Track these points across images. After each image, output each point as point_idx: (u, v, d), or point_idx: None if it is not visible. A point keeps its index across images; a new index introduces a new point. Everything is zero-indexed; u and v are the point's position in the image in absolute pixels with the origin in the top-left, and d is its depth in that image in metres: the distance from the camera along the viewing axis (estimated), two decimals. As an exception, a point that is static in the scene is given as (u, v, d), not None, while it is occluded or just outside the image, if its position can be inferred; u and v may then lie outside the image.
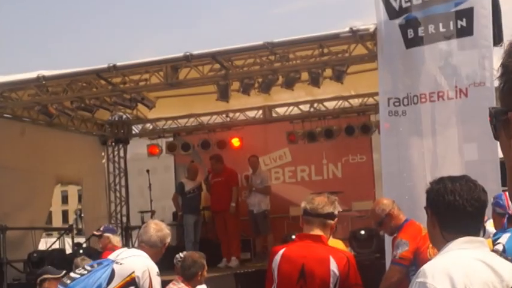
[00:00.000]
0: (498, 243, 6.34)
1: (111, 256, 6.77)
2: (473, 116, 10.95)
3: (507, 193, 6.86)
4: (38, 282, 9.76)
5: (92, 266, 6.59)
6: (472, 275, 3.03)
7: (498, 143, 1.47)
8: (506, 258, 4.09)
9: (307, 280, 5.38)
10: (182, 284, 8.25)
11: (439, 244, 3.43)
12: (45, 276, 9.62)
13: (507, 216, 7.02)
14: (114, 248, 11.68)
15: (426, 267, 3.13)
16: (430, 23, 11.36)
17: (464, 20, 11.14)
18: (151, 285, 6.42)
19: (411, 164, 11.45)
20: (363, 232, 14.15)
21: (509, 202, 7.00)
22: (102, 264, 6.54)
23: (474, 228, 3.44)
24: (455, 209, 3.46)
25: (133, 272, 6.41)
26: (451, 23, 11.23)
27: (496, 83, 1.53)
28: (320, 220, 5.55)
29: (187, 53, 13.10)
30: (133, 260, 6.55)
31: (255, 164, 16.70)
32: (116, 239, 11.98)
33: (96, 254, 13.81)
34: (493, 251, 5.39)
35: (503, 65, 1.43)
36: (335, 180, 17.69)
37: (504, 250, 6.06)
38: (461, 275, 3.02)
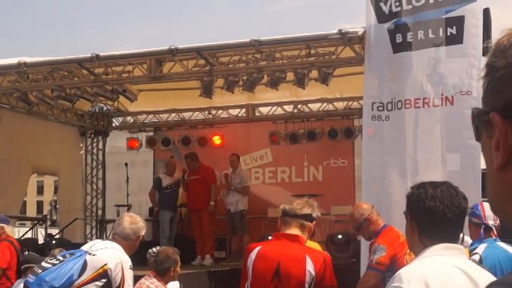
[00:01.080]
0: (475, 253, 6.40)
1: (84, 247, 6.63)
2: (458, 125, 10.89)
3: (483, 204, 7.08)
4: (22, 270, 9.68)
5: (64, 256, 6.45)
6: (448, 281, 3.02)
7: (481, 154, 1.39)
8: (483, 268, 4.03)
9: (281, 279, 5.30)
10: (154, 279, 8.12)
11: (417, 249, 3.41)
12: (29, 265, 9.54)
13: (483, 226, 6.95)
14: (7, 238, 11.57)
15: (402, 272, 3.13)
16: (420, 28, 11.29)
17: (454, 27, 11.09)
18: (124, 278, 6.30)
19: (393, 171, 11.36)
20: (340, 236, 14.06)
21: (485, 212, 6.95)
22: (74, 255, 6.41)
23: (453, 235, 3.41)
24: (435, 215, 3.40)
25: (105, 264, 6.29)
26: (441, 29, 11.17)
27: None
28: (298, 221, 5.48)
29: (172, 47, 12.98)
30: (106, 252, 6.42)
31: (234, 163, 16.56)
32: (9, 229, 11.86)
33: (69, 245, 13.68)
34: None
35: (488, 65, 1.41)
36: (315, 183, 17.57)
37: (481, 260, 6.08)
38: (438, 281, 3.00)
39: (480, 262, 5.90)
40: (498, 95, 1.37)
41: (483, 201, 10.19)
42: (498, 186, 1.40)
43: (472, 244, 6.97)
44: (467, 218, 6.89)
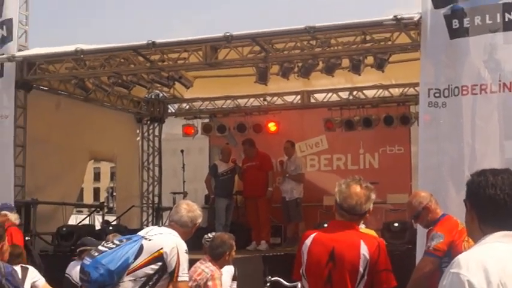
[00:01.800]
0: None
1: (141, 232, 6.69)
2: (516, 111, 10.78)
3: None
4: (77, 252, 9.82)
5: (120, 241, 6.52)
6: (506, 268, 2.97)
7: None
8: None
9: (336, 263, 5.27)
10: (209, 263, 8.19)
11: (476, 237, 3.31)
12: (84, 248, 9.67)
13: None
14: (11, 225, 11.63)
15: (461, 258, 3.07)
16: (477, 14, 11.15)
17: (512, 13, 10.91)
18: (179, 262, 6.33)
19: (450, 158, 11.25)
20: (396, 224, 13.94)
21: None
22: (131, 240, 6.46)
23: None
24: (496, 203, 3.28)
25: (161, 248, 6.34)
26: (498, 15, 11.02)
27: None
28: (355, 217, 5.42)
29: (228, 34, 12.99)
30: (162, 237, 6.47)
31: (289, 150, 16.52)
32: (13, 217, 11.94)
33: (125, 231, 13.83)
34: None
35: None
36: (371, 170, 17.44)
37: None
38: (496, 268, 2.96)
39: None
40: None
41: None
42: None
43: None
44: None
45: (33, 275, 9.05)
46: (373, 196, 5.47)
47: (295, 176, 16.24)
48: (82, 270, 6.41)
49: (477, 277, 2.94)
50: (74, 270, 9.61)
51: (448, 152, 11.33)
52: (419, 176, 11.70)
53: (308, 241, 5.47)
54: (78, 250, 9.83)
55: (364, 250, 5.25)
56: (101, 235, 14.69)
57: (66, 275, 9.82)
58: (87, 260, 6.39)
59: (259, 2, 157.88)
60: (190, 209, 6.75)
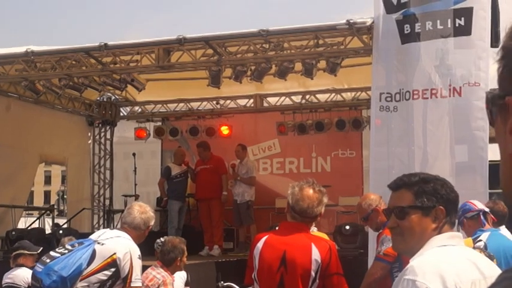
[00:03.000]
0: (479, 240, 6.70)
1: (93, 236, 6.62)
2: (466, 116, 10.92)
3: (472, 201, 7.56)
4: (12, 256, 9.59)
5: (72, 246, 6.45)
6: (461, 274, 3.00)
7: (488, 145, 1.38)
8: (488, 255, 4.07)
9: (288, 267, 5.29)
10: (161, 269, 8.13)
11: (423, 241, 3.34)
12: (21, 251, 9.47)
13: (481, 213, 7.40)
14: None
15: (415, 265, 3.08)
16: (428, 19, 11.25)
17: (462, 19, 11.07)
18: (132, 267, 6.29)
19: (401, 161, 11.35)
20: (348, 227, 14.01)
21: (476, 204, 7.54)
22: (83, 244, 6.40)
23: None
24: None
25: (114, 254, 6.28)
26: (449, 20, 11.14)
27: (491, 86, 1.42)
28: (306, 220, 5.45)
29: (181, 36, 12.98)
30: (115, 241, 6.41)
31: (239, 153, 16.50)
32: None
33: (76, 235, 13.69)
34: (474, 248, 5.51)
35: (504, 48, 1.36)
36: (323, 174, 17.50)
37: (486, 247, 6.32)
38: (452, 273, 2.98)
39: (485, 248, 6.04)
40: None
41: (491, 192, 10.40)
42: None
43: (475, 233, 7.25)
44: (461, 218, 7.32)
45: None
46: (325, 200, 5.50)
47: (246, 179, 16.24)
48: (34, 277, 6.33)
49: (434, 283, 2.96)
50: (11, 276, 9.42)
51: (398, 156, 11.42)
52: (371, 179, 11.78)
53: (260, 244, 5.48)
54: (14, 254, 9.62)
55: (315, 254, 5.28)
56: (52, 239, 14.57)
57: (8, 284, 9.53)
58: (39, 267, 6.31)
59: (212, 5, 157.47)
60: (143, 211, 6.70)
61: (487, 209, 7.51)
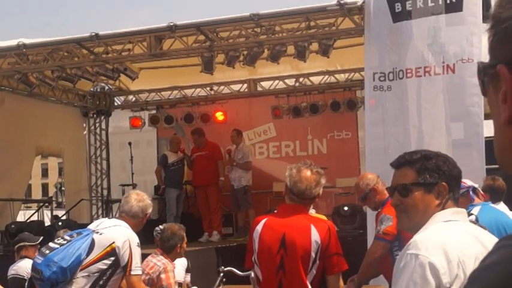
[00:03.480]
0: (471, 214, 6.62)
1: (91, 226, 6.63)
2: (460, 93, 10.92)
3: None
4: (15, 250, 9.65)
5: (71, 236, 6.46)
6: (464, 248, 3.03)
7: (483, 121, 1.38)
8: (481, 227, 4.09)
9: (287, 249, 5.30)
10: (161, 257, 8.13)
11: (426, 218, 3.36)
12: (23, 243, 9.53)
13: (471, 189, 7.43)
14: None
15: (417, 239, 3.10)
16: (419, -3, 11.21)
17: (453, -5, 11.02)
18: (132, 256, 6.30)
19: (397, 141, 11.36)
20: (346, 208, 14.02)
21: (464, 180, 7.40)
22: (81, 234, 6.41)
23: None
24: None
25: (113, 242, 6.30)
26: (440, -3, 11.10)
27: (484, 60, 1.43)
28: (304, 201, 5.46)
29: (171, 23, 12.97)
30: (113, 230, 6.42)
31: (234, 138, 16.49)
32: None
33: (75, 226, 13.71)
34: None
35: (494, 16, 1.37)
36: (320, 156, 17.47)
37: (477, 220, 6.31)
38: (455, 248, 3.01)
39: (476, 221, 6.11)
40: (504, 47, 1.34)
41: (488, 168, 10.43)
42: (506, 140, 1.37)
43: (467, 208, 7.20)
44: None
45: None
46: (323, 181, 5.51)
47: (242, 164, 16.24)
48: (34, 269, 6.34)
49: (437, 257, 2.98)
50: (15, 267, 9.48)
51: (394, 135, 11.44)
52: (367, 159, 11.80)
53: (259, 227, 5.49)
54: (16, 246, 9.66)
55: (315, 235, 5.29)
56: (51, 231, 14.57)
57: (13, 275, 9.58)
58: (39, 258, 6.32)
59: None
60: (141, 199, 6.70)
61: (476, 185, 7.55)
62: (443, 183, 3.36)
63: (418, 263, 2.99)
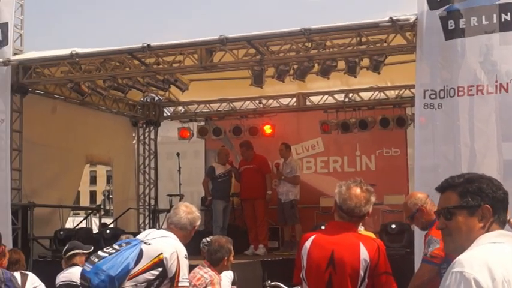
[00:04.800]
0: None
1: (140, 236, 6.68)
2: (513, 113, 10.79)
3: None
4: (65, 257, 9.69)
5: (120, 245, 6.50)
6: (510, 268, 3.01)
7: None
8: None
9: (336, 267, 5.27)
10: (208, 269, 8.15)
11: (471, 242, 3.31)
12: (76, 251, 9.59)
13: None
14: None
15: (462, 258, 3.10)
16: (473, 15, 11.12)
17: (508, 13, 10.92)
18: (179, 267, 6.32)
19: (447, 159, 11.25)
20: (393, 226, 13.92)
21: None
22: (130, 244, 6.45)
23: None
24: (506, 203, 3.38)
25: (161, 253, 6.33)
26: (495, 16, 11.00)
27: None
28: (354, 219, 5.43)
29: (223, 36, 13.00)
30: (162, 241, 6.45)
31: (283, 152, 16.49)
32: None
33: (122, 234, 13.79)
34: None
35: None
36: (368, 172, 17.42)
37: None
38: (500, 266, 3.00)
39: None
40: None
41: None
42: None
43: None
44: None
45: (33, 280, 9.03)
46: (373, 199, 5.48)
47: (290, 178, 16.22)
48: (83, 277, 6.39)
49: (482, 274, 2.97)
50: (67, 274, 9.53)
51: (444, 154, 11.33)
52: (416, 178, 11.67)
53: (307, 244, 5.46)
54: (69, 254, 9.67)
55: (363, 253, 5.26)
56: (98, 239, 14.71)
57: (65, 282, 9.63)
58: (88, 267, 6.37)
59: (251, 4, 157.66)
60: (190, 211, 6.74)
61: None
62: (487, 205, 3.34)
63: (463, 280, 2.99)
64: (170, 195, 18.17)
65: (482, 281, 2.95)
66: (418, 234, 9.98)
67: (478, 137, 11.05)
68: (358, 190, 5.40)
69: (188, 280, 6.65)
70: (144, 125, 20.00)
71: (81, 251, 9.63)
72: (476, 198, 3.34)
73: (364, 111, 17.68)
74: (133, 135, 20.08)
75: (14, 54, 14.49)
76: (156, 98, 19.61)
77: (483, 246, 3.17)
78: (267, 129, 18.61)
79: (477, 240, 3.23)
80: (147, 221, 19.43)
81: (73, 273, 9.37)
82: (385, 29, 12.46)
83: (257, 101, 18.70)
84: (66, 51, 14.28)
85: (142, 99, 19.37)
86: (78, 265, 9.33)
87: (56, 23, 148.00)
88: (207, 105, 19.39)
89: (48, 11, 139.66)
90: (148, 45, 13.43)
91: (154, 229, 7.32)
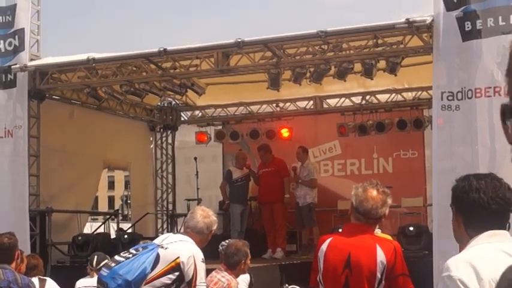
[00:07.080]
0: None
1: (157, 240, 6.68)
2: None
3: None
4: (96, 268, 9.64)
5: (137, 250, 6.51)
6: (497, 265, 2.96)
7: None
8: None
9: (353, 269, 5.25)
10: (225, 273, 8.13)
11: (464, 242, 3.39)
12: (107, 261, 9.55)
13: None
14: None
15: (449, 261, 3.17)
16: (489, 16, 11.08)
17: (525, 14, 10.86)
18: (196, 271, 6.32)
19: (464, 161, 11.19)
20: (411, 228, 13.87)
21: None
22: (147, 248, 6.46)
23: (499, 225, 3.39)
24: (480, 207, 3.39)
25: (178, 258, 6.33)
26: (511, 16, 10.93)
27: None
28: (370, 221, 5.41)
29: (239, 40, 12.98)
30: (178, 245, 6.46)
31: (300, 155, 16.47)
32: None
33: (141, 239, 13.81)
34: None
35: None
36: (385, 175, 17.36)
37: None
38: (485, 264, 3.06)
39: None
40: None
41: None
42: None
43: None
44: None
45: (52, 286, 9.04)
46: (390, 201, 5.45)
47: (307, 182, 16.20)
48: (100, 281, 6.40)
49: (468, 276, 3.04)
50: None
51: (461, 155, 11.28)
52: (433, 180, 11.66)
53: (324, 246, 5.45)
54: (101, 264, 9.60)
55: (380, 255, 5.24)
56: (116, 244, 14.74)
57: None
58: (105, 271, 6.38)
59: (268, 7, 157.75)
60: (206, 215, 6.74)
61: None
62: (453, 206, 3.46)
63: (449, 283, 3.06)
64: (188, 200, 18.20)
65: (467, 282, 3.01)
66: (436, 236, 9.95)
67: (499, 138, 10.97)
68: (374, 192, 5.38)
69: (205, 284, 6.65)
70: (162, 130, 20.02)
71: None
72: (452, 198, 3.48)
73: (381, 114, 17.62)
74: (151, 139, 20.11)
75: (31, 60, 14.52)
76: (173, 103, 19.62)
77: (474, 248, 3.24)
78: (284, 132, 18.58)
79: (471, 241, 3.29)
80: (165, 226, 19.44)
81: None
82: (401, 31, 12.42)
83: (274, 104, 18.69)
84: (82, 57, 14.31)
85: (159, 103, 19.40)
86: None
87: (72, 29, 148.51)
88: (224, 109, 19.41)
89: (64, 16, 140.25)
90: (164, 49, 13.45)
91: (171, 233, 7.34)
